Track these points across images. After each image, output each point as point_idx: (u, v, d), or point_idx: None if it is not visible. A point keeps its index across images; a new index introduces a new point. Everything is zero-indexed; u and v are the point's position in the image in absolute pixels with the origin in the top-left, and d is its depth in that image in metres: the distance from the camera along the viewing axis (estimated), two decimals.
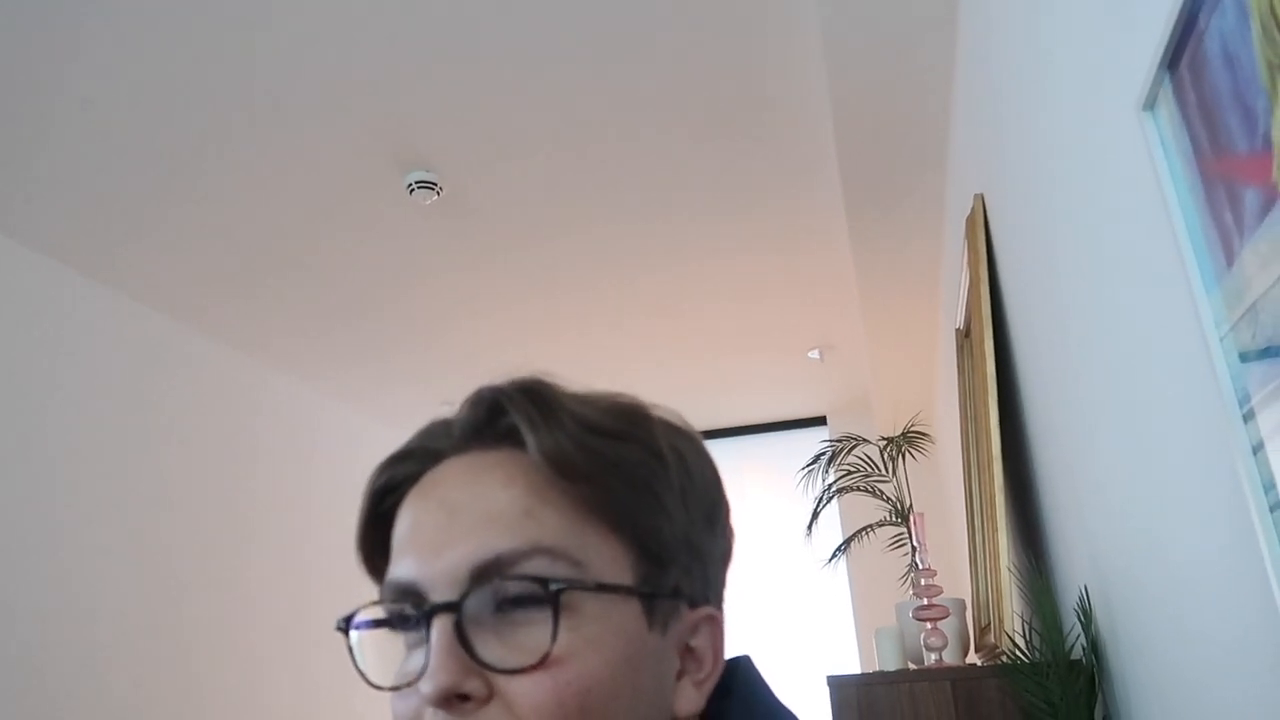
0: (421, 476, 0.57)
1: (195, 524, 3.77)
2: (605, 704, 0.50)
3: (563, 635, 0.49)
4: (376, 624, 0.55)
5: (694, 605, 0.57)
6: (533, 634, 0.49)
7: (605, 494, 0.53)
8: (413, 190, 2.94)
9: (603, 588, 0.51)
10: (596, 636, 0.50)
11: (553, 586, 0.50)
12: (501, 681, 0.49)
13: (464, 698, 0.49)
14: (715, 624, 0.58)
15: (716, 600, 0.59)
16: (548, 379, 0.56)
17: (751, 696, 0.59)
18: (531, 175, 3.00)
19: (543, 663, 0.49)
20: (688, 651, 0.57)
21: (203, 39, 2.31)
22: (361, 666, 0.55)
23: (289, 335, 4.06)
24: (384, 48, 2.38)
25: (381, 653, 0.57)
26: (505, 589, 0.50)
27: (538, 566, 0.50)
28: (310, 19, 2.27)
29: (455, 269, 3.59)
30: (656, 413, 0.59)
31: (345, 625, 0.56)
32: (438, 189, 2.96)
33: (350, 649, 0.56)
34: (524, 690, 0.49)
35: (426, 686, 0.49)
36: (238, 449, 4.11)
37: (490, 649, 0.50)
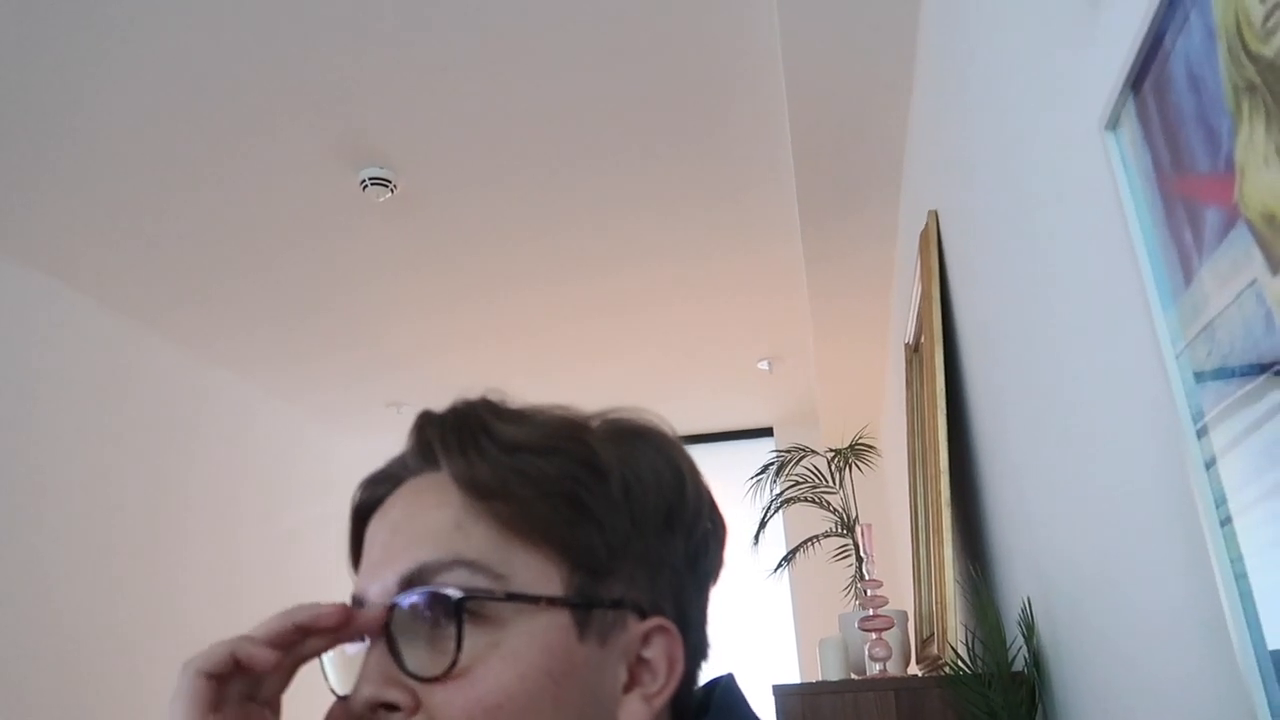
0: (386, 499, 0.59)
1: (132, 518, 3.70)
2: (519, 717, 0.50)
3: (477, 647, 0.50)
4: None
5: (643, 615, 0.56)
6: (450, 645, 0.50)
7: (524, 509, 0.53)
8: (366, 186, 2.90)
9: (513, 597, 0.52)
10: (513, 649, 0.51)
11: (454, 596, 0.51)
12: (424, 692, 0.50)
13: (390, 707, 0.50)
14: (668, 634, 0.56)
15: (676, 607, 0.58)
16: (492, 397, 0.58)
17: (729, 715, 0.58)
18: (485, 174, 2.98)
19: (450, 673, 0.50)
20: (640, 663, 0.56)
21: (148, 28, 2.25)
22: (330, 679, 0.56)
23: (233, 331, 3.97)
24: (340, 41, 2.34)
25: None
26: (421, 599, 0.52)
27: (457, 578, 0.52)
28: (269, 11, 2.22)
29: (406, 268, 3.55)
30: (612, 418, 0.60)
31: None
32: (391, 186, 2.92)
33: (320, 662, 0.56)
34: (439, 702, 0.50)
35: (355, 695, 0.51)
36: (177, 444, 4.04)
37: (417, 659, 0.51)
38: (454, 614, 0.50)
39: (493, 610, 0.51)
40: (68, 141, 2.67)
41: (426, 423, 0.58)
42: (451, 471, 0.55)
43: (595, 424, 0.59)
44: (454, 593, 0.51)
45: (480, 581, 0.51)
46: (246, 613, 4.23)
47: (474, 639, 0.50)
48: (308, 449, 5.01)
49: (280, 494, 4.71)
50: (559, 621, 0.52)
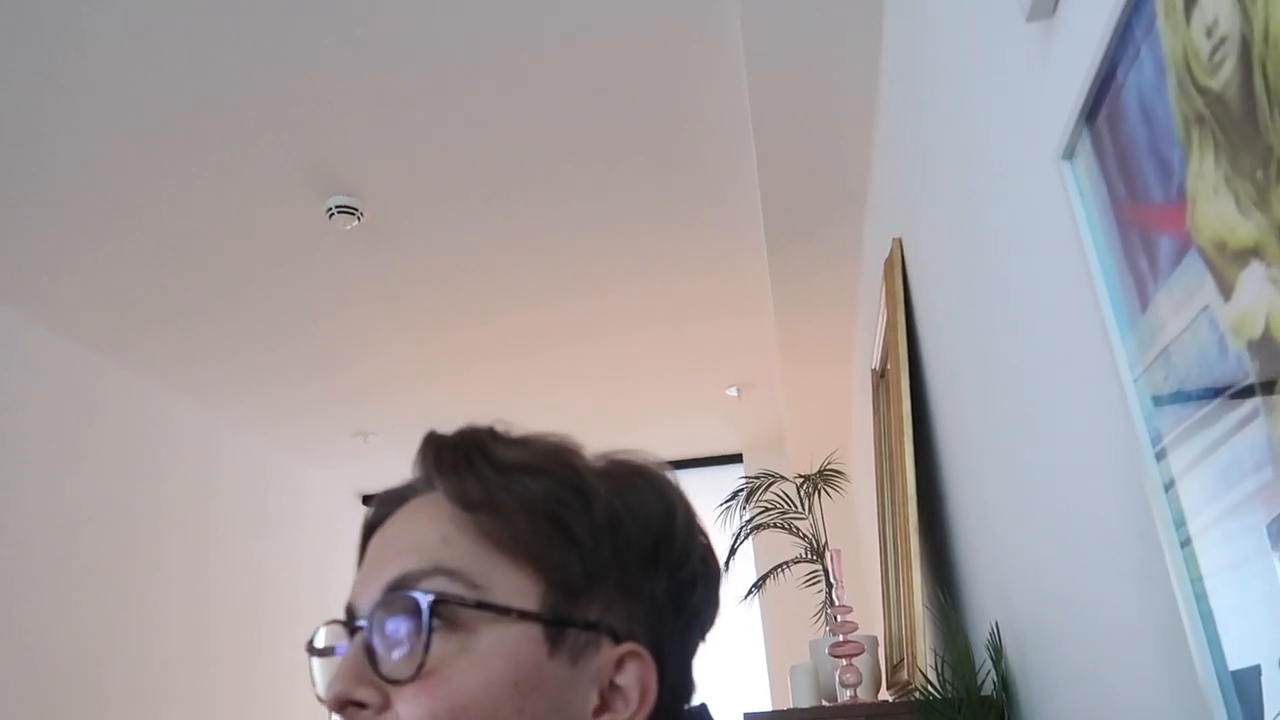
0: (389, 517, 0.62)
1: (99, 548, 3.65)
2: None
3: (447, 651, 0.52)
4: (331, 652, 0.59)
5: (617, 640, 0.57)
6: (419, 647, 0.52)
7: (508, 525, 0.55)
8: (332, 215, 2.88)
9: (483, 606, 0.53)
10: (482, 655, 0.52)
11: (424, 600, 0.52)
12: (394, 694, 0.52)
13: (359, 705, 0.52)
14: (642, 661, 0.57)
15: (654, 640, 0.59)
16: (498, 426, 0.61)
17: None
18: (451, 203, 2.98)
19: (417, 675, 0.51)
20: (613, 689, 0.57)
21: (114, 56, 2.23)
22: (317, 686, 0.58)
23: (199, 361, 3.92)
24: (306, 70, 2.34)
25: None
26: (395, 603, 0.53)
27: (436, 584, 0.53)
28: (234, 39, 2.22)
29: (372, 297, 3.53)
30: (612, 454, 0.62)
31: (310, 649, 0.59)
32: (358, 214, 2.91)
33: (310, 668, 0.59)
34: (404, 701, 0.52)
35: (327, 693, 0.53)
36: (145, 475, 3.99)
37: (390, 661, 0.53)
38: (424, 617, 0.52)
39: (465, 617, 0.53)
40: (29, 169, 2.63)
41: (429, 443, 0.60)
42: (444, 487, 0.57)
43: (597, 460, 0.62)
44: (424, 597, 0.53)
45: (457, 589, 0.53)
46: (215, 643, 4.17)
47: (444, 644, 0.52)
48: (276, 478, 4.94)
49: (248, 523, 4.65)
50: (530, 635, 0.54)
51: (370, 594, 0.56)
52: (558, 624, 0.55)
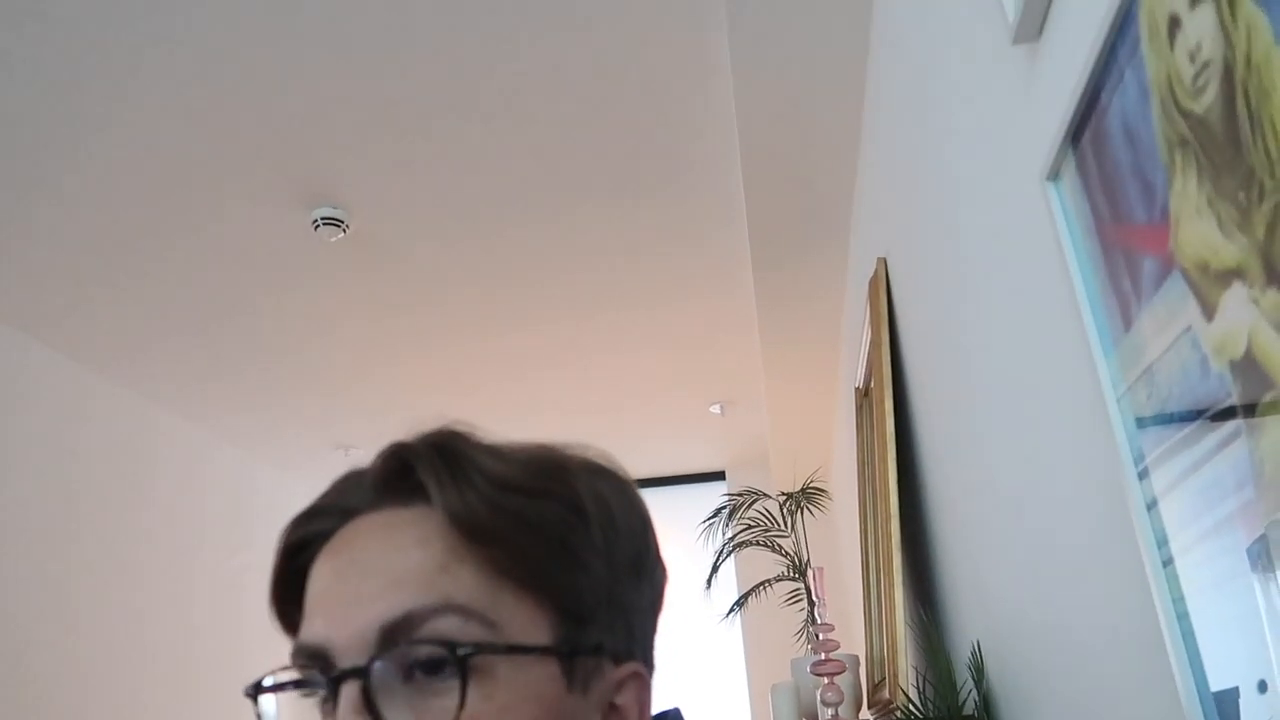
0: (334, 534, 0.54)
1: (84, 559, 3.65)
2: None
3: (473, 703, 0.47)
4: (285, 686, 0.52)
5: (618, 662, 0.55)
6: (442, 702, 0.47)
7: (519, 554, 0.51)
8: (318, 226, 2.87)
9: (515, 649, 0.49)
10: (510, 704, 0.48)
11: (460, 651, 0.47)
12: None
13: None
14: (641, 680, 0.56)
15: (643, 652, 0.58)
16: (463, 430, 0.55)
17: None
18: (438, 219, 2.97)
19: None
20: (612, 710, 0.55)
21: (107, 59, 2.22)
22: None
23: (182, 374, 3.89)
24: (293, 82, 2.34)
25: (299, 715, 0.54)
26: (414, 653, 0.48)
27: (449, 626, 0.48)
28: (225, 53, 2.21)
29: (356, 311, 3.52)
30: (580, 457, 0.58)
31: (254, 691, 0.52)
32: (344, 226, 2.90)
33: (258, 717, 0.53)
34: None
35: None
36: (126, 489, 3.98)
37: (400, 717, 0.47)
38: (457, 668, 0.47)
39: (484, 662, 0.48)
40: (20, 187, 2.61)
41: (406, 453, 0.54)
42: (445, 505, 0.51)
43: (571, 464, 0.57)
44: (461, 646, 0.47)
45: (474, 631, 0.49)
46: (199, 656, 4.12)
47: (470, 694, 0.47)
48: (256, 492, 4.91)
49: (231, 536, 4.64)
50: (549, 672, 0.51)
51: (359, 635, 0.49)
52: (571, 655, 0.52)
